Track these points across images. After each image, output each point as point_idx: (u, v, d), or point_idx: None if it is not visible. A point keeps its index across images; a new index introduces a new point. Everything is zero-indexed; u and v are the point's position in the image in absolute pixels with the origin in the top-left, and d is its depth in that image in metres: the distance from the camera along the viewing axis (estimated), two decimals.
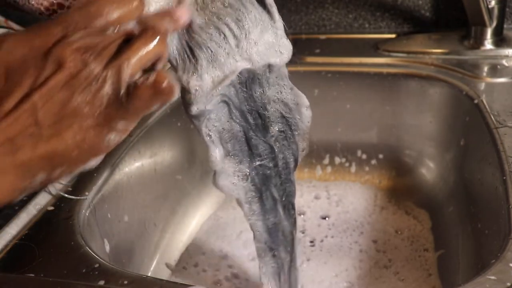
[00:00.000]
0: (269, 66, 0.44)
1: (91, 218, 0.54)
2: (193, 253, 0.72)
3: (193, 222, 0.77)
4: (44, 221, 0.52)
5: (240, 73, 0.43)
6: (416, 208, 0.76)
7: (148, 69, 0.36)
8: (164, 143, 0.73)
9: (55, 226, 0.51)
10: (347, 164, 0.83)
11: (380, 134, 0.81)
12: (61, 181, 0.56)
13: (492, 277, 0.40)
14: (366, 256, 0.69)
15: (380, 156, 0.82)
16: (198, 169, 0.79)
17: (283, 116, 0.47)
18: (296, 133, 0.48)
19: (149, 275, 0.66)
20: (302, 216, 0.77)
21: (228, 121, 0.45)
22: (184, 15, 0.39)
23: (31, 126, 0.33)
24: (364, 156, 0.83)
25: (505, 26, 0.77)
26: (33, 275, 0.45)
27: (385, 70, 0.77)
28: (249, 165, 0.47)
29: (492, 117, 0.61)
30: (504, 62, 0.74)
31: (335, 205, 0.78)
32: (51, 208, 0.54)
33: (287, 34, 0.46)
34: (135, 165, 0.66)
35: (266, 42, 0.43)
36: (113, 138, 0.35)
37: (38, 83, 0.32)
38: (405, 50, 0.80)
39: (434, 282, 0.64)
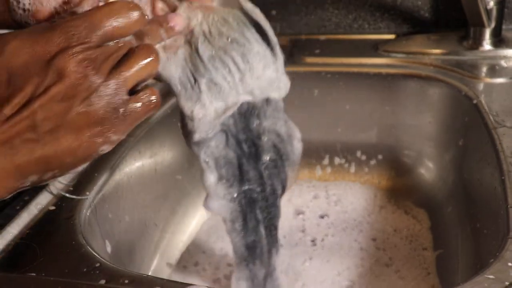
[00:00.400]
0: (268, 100, 0.46)
1: (92, 218, 0.54)
2: (193, 252, 0.72)
3: (193, 222, 0.77)
4: (45, 220, 0.52)
5: (241, 104, 0.45)
6: (415, 208, 0.76)
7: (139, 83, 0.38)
8: (165, 143, 0.73)
9: (56, 225, 0.51)
10: (346, 164, 0.84)
11: (380, 134, 0.81)
12: (62, 181, 0.57)
13: (491, 277, 0.40)
14: (367, 254, 0.69)
15: (380, 156, 0.82)
16: (198, 169, 0.78)
17: (275, 146, 0.49)
18: (286, 163, 0.50)
19: (149, 274, 0.67)
20: (301, 215, 0.77)
21: (224, 149, 0.47)
22: (178, 23, 0.41)
23: (29, 132, 0.34)
24: (363, 156, 0.83)
25: (503, 27, 0.77)
26: (34, 274, 0.45)
27: (384, 70, 0.77)
28: (238, 189, 0.49)
29: (491, 117, 0.62)
30: (502, 62, 0.74)
31: (333, 205, 0.78)
32: (52, 208, 0.54)
33: (285, 66, 0.48)
34: (135, 165, 0.66)
35: (268, 77, 0.45)
36: (106, 148, 0.37)
37: (40, 91, 0.33)
38: (405, 51, 0.80)
39: (433, 280, 0.64)
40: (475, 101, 0.66)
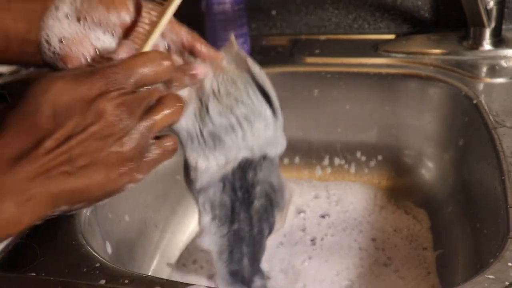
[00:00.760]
0: (264, 156, 0.49)
1: (92, 218, 0.55)
2: (193, 252, 0.72)
3: (193, 222, 0.77)
4: (45, 220, 0.52)
5: (240, 161, 0.48)
6: (415, 208, 0.76)
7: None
8: None
9: (57, 225, 0.51)
10: (346, 164, 0.84)
11: (380, 134, 0.81)
12: None
13: (491, 277, 0.40)
14: (366, 254, 0.69)
15: (380, 156, 0.82)
16: None
17: (267, 195, 0.52)
18: (276, 209, 0.53)
19: (149, 274, 0.67)
20: (302, 214, 0.77)
21: (221, 195, 0.50)
22: (201, 71, 0.45)
23: (65, 165, 0.37)
24: (363, 156, 0.83)
25: (503, 27, 0.77)
26: (34, 274, 0.45)
27: (384, 70, 0.77)
28: (228, 228, 0.52)
29: (491, 117, 0.62)
30: (502, 62, 0.74)
31: (334, 204, 0.78)
32: None
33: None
34: None
35: (267, 136, 0.48)
36: (131, 185, 0.40)
37: (79, 129, 0.36)
38: (405, 51, 0.80)
39: (433, 280, 0.64)
40: (475, 101, 0.66)
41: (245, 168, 0.49)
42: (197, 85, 0.46)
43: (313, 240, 0.72)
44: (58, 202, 0.37)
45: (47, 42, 0.43)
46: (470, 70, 0.73)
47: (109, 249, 0.56)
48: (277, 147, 0.50)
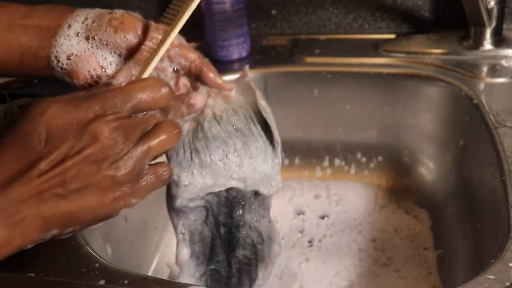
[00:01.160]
0: (256, 193, 0.48)
1: None
2: None
3: None
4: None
5: (230, 189, 0.47)
6: (416, 208, 0.76)
7: None
8: None
9: None
10: (347, 164, 0.84)
11: (380, 134, 0.81)
12: None
13: (491, 277, 0.40)
14: (365, 255, 0.69)
15: (380, 156, 0.82)
16: None
17: (253, 245, 0.50)
18: (260, 264, 0.50)
19: (149, 274, 0.66)
20: (301, 215, 0.77)
21: (201, 224, 0.49)
22: (199, 102, 0.46)
23: (58, 187, 0.36)
24: (364, 156, 0.83)
25: (504, 26, 0.77)
26: (34, 274, 0.45)
27: (384, 70, 0.77)
28: (205, 268, 0.50)
29: (492, 117, 0.62)
30: (503, 62, 0.74)
31: (334, 205, 0.78)
32: None
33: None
34: None
35: (263, 171, 0.47)
36: (125, 210, 0.39)
37: (74, 151, 0.36)
38: (405, 51, 0.80)
39: (434, 280, 0.64)
40: (475, 101, 0.66)
41: (234, 202, 0.48)
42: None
43: (310, 242, 0.72)
44: (50, 226, 0.37)
45: (56, 58, 0.45)
46: (470, 70, 0.73)
47: (108, 249, 0.56)
48: (272, 185, 0.47)
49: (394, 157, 0.81)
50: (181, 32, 0.46)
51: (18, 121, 0.38)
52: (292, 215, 0.77)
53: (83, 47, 0.45)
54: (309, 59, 0.82)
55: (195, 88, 0.48)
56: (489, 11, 0.74)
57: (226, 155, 0.45)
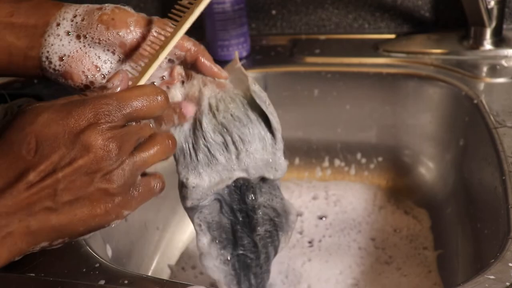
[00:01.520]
0: (263, 178, 0.48)
1: None
2: (193, 253, 0.72)
3: None
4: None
5: (236, 179, 0.47)
6: (416, 208, 0.76)
7: None
8: None
9: None
10: (347, 164, 0.84)
11: (380, 134, 0.81)
12: None
13: (491, 277, 0.40)
14: (366, 253, 0.69)
15: (380, 156, 0.82)
16: None
17: (271, 219, 0.50)
18: (281, 233, 0.51)
19: (149, 274, 0.66)
20: (300, 216, 0.77)
21: (218, 215, 0.49)
22: (189, 111, 0.45)
23: (48, 200, 0.35)
24: (363, 156, 0.83)
25: (504, 26, 0.77)
26: (33, 274, 0.45)
27: (384, 70, 0.77)
28: (231, 252, 0.50)
29: (492, 117, 0.62)
30: (503, 62, 0.74)
31: (333, 205, 0.78)
32: None
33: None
34: None
35: (264, 159, 0.47)
36: (117, 221, 0.39)
37: (65, 162, 0.35)
38: (405, 50, 0.80)
39: (435, 278, 0.64)
40: (475, 101, 0.66)
41: (244, 190, 0.48)
42: (196, 96, 0.46)
43: (310, 242, 0.72)
44: (39, 239, 0.36)
45: (48, 59, 0.44)
46: (470, 70, 0.73)
47: (108, 249, 0.56)
48: (277, 170, 0.48)
49: (394, 157, 0.81)
50: None
51: (8, 130, 0.36)
52: None
53: (75, 47, 0.43)
54: (309, 59, 0.82)
55: (189, 77, 0.47)
56: (489, 11, 0.74)
57: (226, 147, 0.45)
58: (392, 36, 0.86)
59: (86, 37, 0.43)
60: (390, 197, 0.79)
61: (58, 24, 0.44)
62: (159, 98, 0.39)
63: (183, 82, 0.47)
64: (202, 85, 0.47)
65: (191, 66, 0.47)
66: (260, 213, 0.49)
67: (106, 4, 0.45)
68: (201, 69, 0.46)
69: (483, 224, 0.57)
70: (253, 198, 0.48)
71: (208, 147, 0.45)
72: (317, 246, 0.71)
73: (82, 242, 0.48)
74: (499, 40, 0.77)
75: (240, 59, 0.81)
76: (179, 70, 0.47)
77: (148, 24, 0.44)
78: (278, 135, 0.48)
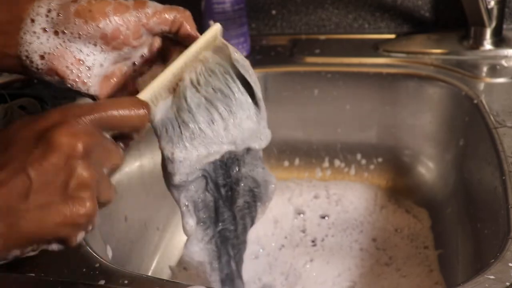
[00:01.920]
0: (248, 149, 0.48)
1: None
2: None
3: None
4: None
5: (224, 152, 0.46)
6: (416, 207, 0.76)
7: None
8: None
9: None
10: (347, 164, 0.84)
11: (380, 134, 0.81)
12: None
13: (491, 277, 0.40)
14: (367, 255, 0.69)
15: (380, 156, 0.82)
16: None
17: (251, 190, 0.50)
18: (259, 203, 0.51)
19: (149, 274, 0.66)
20: (301, 215, 0.77)
21: (203, 193, 0.48)
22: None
23: (21, 200, 0.34)
24: (364, 156, 0.83)
25: (504, 26, 0.77)
26: (33, 274, 0.45)
27: (384, 70, 0.77)
28: (213, 230, 0.50)
29: (492, 117, 0.62)
30: (503, 62, 0.74)
31: (334, 205, 0.78)
32: None
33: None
34: (135, 165, 0.66)
35: (249, 128, 0.46)
36: (83, 235, 0.38)
37: (32, 159, 0.34)
38: (405, 50, 0.80)
39: (437, 277, 0.64)
40: (475, 101, 0.66)
41: (229, 163, 0.47)
42: (176, 77, 0.45)
43: (313, 241, 0.72)
44: (10, 247, 0.35)
45: (28, 58, 0.42)
46: (470, 70, 0.73)
47: (108, 249, 0.56)
48: (262, 139, 0.47)
49: (394, 157, 0.81)
50: None
51: None
52: (292, 215, 0.77)
53: (54, 44, 0.42)
54: (309, 59, 0.82)
55: (168, 50, 0.46)
56: (489, 11, 0.74)
57: (212, 121, 0.44)
58: (392, 36, 0.86)
59: (65, 33, 0.42)
60: (390, 197, 0.79)
61: (33, 20, 0.42)
62: (139, 111, 0.38)
63: (163, 59, 0.47)
64: (181, 58, 0.45)
65: (173, 35, 0.46)
66: (242, 184, 0.49)
67: None
68: (183, 37, 0.45)
69: (483, 224, 0.57)
70: (237, 170, 0.48)
71: (194, 120, 0.44)
72: (320, 245, 0.72)
73: (82, 242, 0.48)
74: (499, 40, 0.77)
75: None
76: (157, 43, 0.46)
77: (127, 9, 0.43)
78: (261, 104, 0.47)
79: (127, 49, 0.44)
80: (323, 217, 0.76)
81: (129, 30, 0.43)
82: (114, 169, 0.39)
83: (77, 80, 0.43)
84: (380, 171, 0.82)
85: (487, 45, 0.76)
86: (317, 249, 0.71)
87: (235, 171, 0.48)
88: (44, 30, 0.42)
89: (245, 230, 0.52)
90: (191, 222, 0.48)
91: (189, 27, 0.45)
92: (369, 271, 0.67)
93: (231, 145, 0.46)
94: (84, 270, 0.45)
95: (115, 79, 0.45)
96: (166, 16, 0.44)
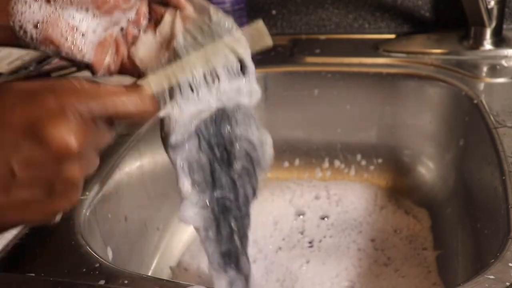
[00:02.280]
0: (239, 106, 0.48)
1: (91, 218, 0.54)
2: (194, 253, 0.72)
3: None
4: (48, 220, 0.52)
5: (213, 112, 0.46)
6: (416, 207, 0.76)
7: None
8: None
9: (56, 225, 0.51)
10: (347, 164, 0.84)
11: (380, 134, 0.81)
12: None
13: (491, 277, 0.40)
14: (365, 255, 0.69)
15: (380, 156, 0.82)
16: None
17: (247, 154, 0.50)
18: (258, 169, 0.51)
19: (149, 274, 0.66)
20: (301, 216, 0.77)
21: (197, 153, 0.48)
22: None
23: (2, 193, 0.32)
24: (364, 156, 0.83)
25: (504, 26, 0.77)
26: (33, 274, 0.45)
27: (384, 70, 0.77)
28: (210, 195, 0.49)
29: (492, 117, 0.62)
30: (503, 62, 0.74)
31: (335, 205, 0.78)
32: None
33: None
34: (135, 164, 0.66)
35: (238, 85, 0.47)
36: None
37: (19, 154, 0.32)
38: (405, 50, 0.80)
39: (435, 278, 0.64)
40: (475, 101, 0.66)
41: (219, 121, 0.48)
42: (168, 36, 0.45)
43: (310, 243, 0.72)
44: None
45: (22, 28, 0.42)
46: (470, 70, 0.73)
47: (108, 249, 0.56)
48: (251, 96, 0.48)
49: (394, 157, 0.81)
50: None
51: None
52: (292, 216, 0.77)
53: (47, 12, 0.42)
54: (309, 59, 0.82)
55: (160, 15, 0.46)
56: (489, 11, 0.74)
57: (200, 79, 0.45)
58: (392, 36, 0.86)
59: (56, 0, 0.42)
60: (390, 196, 0.79)
61: None
62: (148, 109, 0.38)
63: (155, 26, 0.47)
64: (172, 23, 0.46)
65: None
66: (237, 146, 0.49)
67: None
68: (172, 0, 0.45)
69: (483, 224, 0.57)
70: (230, 129, 0.48)
71: (185, 78, 0.44)
72: (317, 246, 0.71)
73: (82, 242, 0.48)
74: (499, 40, 0.77)
75: None
76: (144, 9, 0.46)
77: None
78: (248, 60, 0.47)
79: (117, 13, 0.44)
80: (322, 218, 0.76)
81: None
82: (104, 146, 0.38)
83: (72, 47, 0.43)
84: (380, 171, 0.82)
85: (487, 45, 0.76)
86: (313, 250, 0.71)
87: (227, 130, 0.48)
88: None
89: (247, 201, 0.51)
90: (187, 183, 0.47)
91: None
92: (367, 271, 0.67)
93: (219, 101, 0.46)
94: (84, 270, 0.45)
95: (107, 45, 0.45)
96: None
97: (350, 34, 0.89)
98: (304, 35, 0.90)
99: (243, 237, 0.53)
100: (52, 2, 0.42)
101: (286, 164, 0.85)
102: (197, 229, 0.50)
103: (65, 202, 0.34)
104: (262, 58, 0.83)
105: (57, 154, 0.32)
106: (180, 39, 0.45)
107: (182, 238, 0.75)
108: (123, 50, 0.46)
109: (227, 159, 0.49)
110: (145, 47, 0.45)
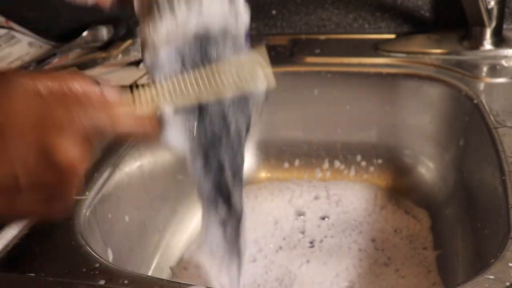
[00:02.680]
0: (225, 32, 0.46)
1: (91, 218, 0.54)
2: (194, 253, 0.72)
3: (194, 222, 0.77)
4: (44, 220, 0.52)
5: (197, 33, 0.44)
6: (416, 208, 0.76)
7: None
8: None
9: (56, 225, 0.51)
10: (347, 164, 0.84)
11: (380, 134, 0.81)
12: None
13: (491, 277, 0.40)
14: (365, 255, 0.69)
15: (380, 156, 0.82)
16: None
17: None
18: (249, 99, 0.48)
19: (149, 274, 0.66)
20: (302, 216, 0.77)
21: (180, 72, 0.45)
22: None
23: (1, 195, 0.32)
24: (364, 156, 0.83)
25: (504, 26, 0.77)
26: (33, 274, 0.45)
27: (384, 70, 0.77)
28: (198, 122, 0.47)
29: (492, 117, 0.62)
30: (503, 62, 0.74)
31: (334, 205, 0.78)
32: None
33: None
34: (135, 164, 0.66)
35: (222, 9, 0.45)
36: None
37: (25, 166, 0.32)
38: (405, 50, 0.80)
39: (435, 278, 0.64)
40: (475, 101, 0.66)
41: (203, 43, 0.45)
42: None
43: (311, 243, 0.72)
44: None
45: None
46: (470, 70, 0.73)
47: (109, 249, 0.56)
48: (237, 18, 0.45)
49: (394, 157, 0.81)
50: None
51: None
52: (293, 216, 0.77)
53: None
54: (309, 59, 0.82)
55: None
56: (489, 11, 0.74)
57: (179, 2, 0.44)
58: (392, 36, 0.86)
59: None
60: (390, 197, 0.79)
61: None
62: (152, 132, 0.38)
63: None
64: None
65: None
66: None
67: None
68: None
69: (483, 224, 0.57)
70: (216, 49, 0.46)
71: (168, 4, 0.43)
72: (318, 246, 0.71)
73: (82, 242, 0.48)
74: (499, 40, 0.77)
75: None
76: None
77: None
78: None
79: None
80: (323, 218, 0.76)
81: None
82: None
83: None
84: (380, 171, 0.82)
85: (487, 45, 0.76)
86: (314, 250, 0.71)
87: (213, 49, 0.46)
88: None
89: (239, 136, 0.48)
90: (167, 107, 0.44)
91: None
92: (367, 271, 0.67)
93: (203, 24, 0.44)
94: (84, 270, 0.45)
95: None
96: None
97: (350, 34, 0.89)
98: (304, 35, 0.90)
99: (236, 174, 0.50)
100: None
101: (286, 164, 0.85)
102: (185, 158, 0.47)
103: (64, 208, 0.35)
104: None
105: (63, 173, 0.33)
106: None
107: (182, 238, 0.75)
108: None
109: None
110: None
